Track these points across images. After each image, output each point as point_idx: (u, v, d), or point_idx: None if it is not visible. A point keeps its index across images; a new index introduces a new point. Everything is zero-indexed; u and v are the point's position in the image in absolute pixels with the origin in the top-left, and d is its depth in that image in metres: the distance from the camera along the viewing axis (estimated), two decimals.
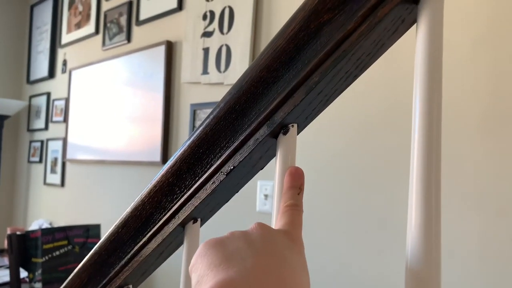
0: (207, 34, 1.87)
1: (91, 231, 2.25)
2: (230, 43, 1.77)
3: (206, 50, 1.86)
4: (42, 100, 3.04)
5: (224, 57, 1.79)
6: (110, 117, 2.41)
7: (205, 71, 1.86)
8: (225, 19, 1.80)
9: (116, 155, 2.33)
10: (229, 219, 1.72)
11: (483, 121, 1.10)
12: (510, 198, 1.05)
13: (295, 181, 0.37)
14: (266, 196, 1.61)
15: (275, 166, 0.40)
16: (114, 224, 0.54)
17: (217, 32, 1.83)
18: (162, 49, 2.09)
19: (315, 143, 1.45)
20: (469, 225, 1.10)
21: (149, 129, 2.13)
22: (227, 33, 1.79)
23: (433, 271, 0.29)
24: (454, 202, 1.13)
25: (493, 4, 1.10)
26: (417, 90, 0.32)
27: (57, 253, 2.10)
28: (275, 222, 0.36)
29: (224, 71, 1.79)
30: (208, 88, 1.86)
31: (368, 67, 0.38)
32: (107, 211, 2.38)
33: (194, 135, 0.45)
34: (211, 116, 0.43)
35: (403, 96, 1.25)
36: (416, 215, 0.30)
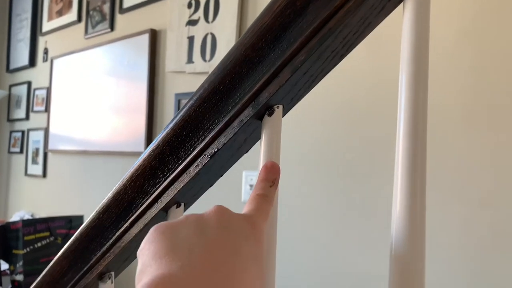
0: (192, 23, 1.84)
1: (74, 222, 2.22)
2: (215, 31, 1.75)
3: (191, 39, 1.84)
4: (23, 89, 2.97)
5: (210, 45, 1.77)
6: (93, 107, 2.36)
7: (190, 60, 1.84)
8: (210, 7, 1.78)
9: (99, 146, 2.29)
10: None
11: (466, 114, 1.11)
12: (492, 189, 1.06)
13: (269, 174, 0.37)
14: (251, 186, 1.61)
15: (260, 147, 0.40)
16: (95, 210, 0.53)
17: (202, 20, 1.80)
18: (146, 38, 2.05)
19: (301, 132, 1.45)
20: (451, 216, 1.12)
21: (133, 119, 2.10)
22: (212, 21, 1.76)
23: (418, 259, 0.29)
24: (437, 193, 1.14)
25: None
26: (403, 69, 0.32)
27: (39, 244, 2.07)
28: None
29: (209, 60, 1.76)
30: (193, 77, 1.84)
31: (354, 46, 0.38)
32: (90, 202, 2.35)
33: (177, 117, 0.44)
34: (195, 97, 0.42)
35: (391, 85, 1.25)
36: (400, 205, 0.30)
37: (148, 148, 0.47)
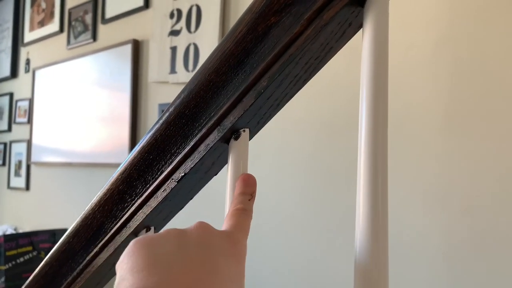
0: (174, 33, 1.84)
1: (58, 235, 2.18)
2: (198, 41, 1.75)
3: (173, 49, 1.83)
4: (5, 100, 2.92)
5: (192, 56, 1.76)
6: (76, 118, 2.34)
7: (173, 70, 1.83)
8: (192, 18, 1.78)
9: (83, 157, 2.27)
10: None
11: (445, 121, 1.13)
12: (473, 195, 1.07)
13: (247, 188, 0.36)
14: None
15: (227, 172, 0.39)
16: (65, 234, 0.52)
17: (184, 30, 1.80)
18: (128, 48, 2.04)
19: (281, 144, 1.45)
20: (433, 223, 1.12)
21: (116, 130, 2.08)
22: (194, 31, 1.76)
23: (381, 266, 0.29)
24: (418, 200, 1.15)
25: (454, 6, 1.13)
26: (363, 93, 0.32)
27: (21, 259, 2.03)
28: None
29: (192, 70, 1.76)
30: (176, 88, 1.83)
31: (317, 71, 0.38)
32: (74, 215, 2.31)
33: (144, 141, 0.43)
34: (161, 121, 0.42)
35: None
36: (363, 212, 0.30)
37: (115, 171, 0.46)
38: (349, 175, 1.29)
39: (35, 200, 2.62)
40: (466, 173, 1.09)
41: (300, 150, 1.41)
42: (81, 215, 0.50)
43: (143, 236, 0.29)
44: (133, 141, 2.00)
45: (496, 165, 1.05)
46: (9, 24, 2.93)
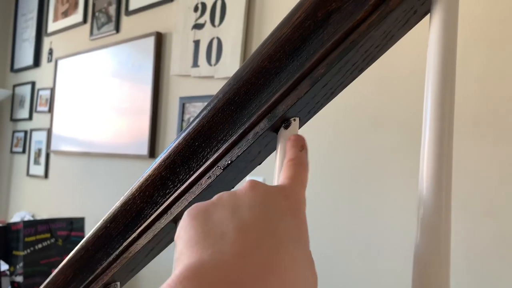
0: (198, 26, 1.84)
1: (75, 224, 2.21)
2: (221, 36, 1.74)
3: (196, 43, 1.83)
4: (27, 89, 2.97)
5: (215, 50, 1.76)
6: (96, 109, 2.36)
7: (195, 63, 1.83)
8: (216, 11, 1.77)
9: (102, 148, 2.29)
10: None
11: (475, 123, 1.10)
12: (497, 199, 1.05)
13: (297, 142, 0.35)
14: None
15: (275, 160, 0.39)
16: (102, 219, 0.52)
17: (208, 24, 1.80)
18: (151, 40, 2.05)
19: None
20: (456, 225, 1.10)
21: (137, 122, 2.09)
22: (218, 25, 1.76)
23: (443, 219, 0.29)
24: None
25: (485, 5, 1.10)
26: (429, 83, 0.31)
27: (40, 246, 2.05)
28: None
29: (214, 64, 1.76)
30: (198, 81, 1.83)
31: (375, 60, 0.37)
32: (92, 204, 2.34)
33: (190, 127, 0.43)
34: (209, 108, 0.41)
35: (394, 95, 1.24)
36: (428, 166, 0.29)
37: (158, 157, 0.46)
38: (370, 176, 1.27)
39: (53, 188, 2.66)
40: (491, 178, 1.06)
41: (317, 149, 1.40)
42: (120, 200, 0.50)
43: (194, 205, 0.27)
44: (153, 133, 2.01)
45: None
46: (34, 14, 2.96)
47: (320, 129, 1.40)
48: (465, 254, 1.09)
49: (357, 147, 1.32)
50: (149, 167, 0.47)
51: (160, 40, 2.04)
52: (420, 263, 0.29)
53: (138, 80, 2.11)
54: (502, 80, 1.07)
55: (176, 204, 0.45)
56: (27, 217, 2.65)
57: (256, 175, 1.55)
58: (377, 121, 1.27)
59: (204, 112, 0.42)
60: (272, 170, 0.37)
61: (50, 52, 2.80)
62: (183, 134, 0.44)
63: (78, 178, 2.47)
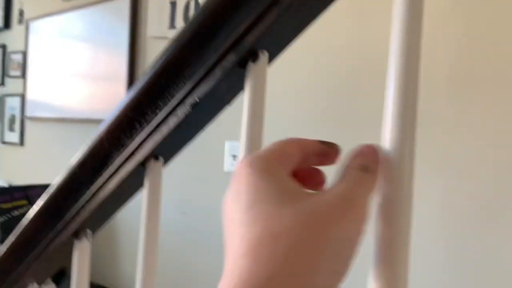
0: None
1: None
2: None
3: (173, 4, 1.77)
4: None
5: (193, 11, 1.71)
6: (71, 73, 2.28)
7: (172, 25, 1.78)
8: None
9: (79, 113, 2.23)
10: (196, 179, 1.70)
11: (453, 85, 1.11)
12: (473, 160, 1.07)
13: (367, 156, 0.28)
14: (234, 156, 1.59)
15: (244, 96, 0.38)
16: (69, 165, 0.51)
17: None
18: (126, 1, 1.97)
19: (295, 100, 1.42)
20: (432, 187, 1.12)
21: (113, 86, 2.04)
22: None
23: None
24: (418, 163, 1.14)
25: None
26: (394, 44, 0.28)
27: (16, 212, 2.03)
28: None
29: None
30: None
31: None
32: None
33: (156, 65, 0.41)
34: (175, 41, 0.40)
35: (380, 58, 1.23)
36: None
37: (123, 99, 0.45)
38: (364, 128, 1.27)
39: (29, 155, 2.60)
40: (468, 139, 1.08)
41: (313, 108, 1.38)
42: (86, 145, 0.48)
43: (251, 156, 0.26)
44: None
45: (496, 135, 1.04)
46: None
47: (314, 86, 1.39)
48: (441, 215, 1.11)
49: (350, 104, 1.31)
50: (114, 109, 0.45)
51: (135, 1, 1.96)
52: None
53: (113, 43, 2.05)
54: (485, 40, 1.07)
55: (144, 145, 0.44)
56: (2, 185, 2.60)
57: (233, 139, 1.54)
58: (361, 81, 1.27)
59: (171, 46, 0.40)
60: None
61: (21, 13, 2.67)
62: (149, 73, 0.42)
63: (55, 144, 2.42)
